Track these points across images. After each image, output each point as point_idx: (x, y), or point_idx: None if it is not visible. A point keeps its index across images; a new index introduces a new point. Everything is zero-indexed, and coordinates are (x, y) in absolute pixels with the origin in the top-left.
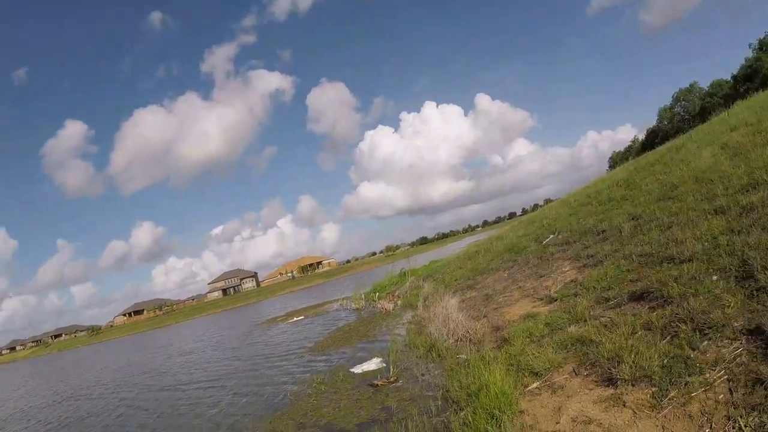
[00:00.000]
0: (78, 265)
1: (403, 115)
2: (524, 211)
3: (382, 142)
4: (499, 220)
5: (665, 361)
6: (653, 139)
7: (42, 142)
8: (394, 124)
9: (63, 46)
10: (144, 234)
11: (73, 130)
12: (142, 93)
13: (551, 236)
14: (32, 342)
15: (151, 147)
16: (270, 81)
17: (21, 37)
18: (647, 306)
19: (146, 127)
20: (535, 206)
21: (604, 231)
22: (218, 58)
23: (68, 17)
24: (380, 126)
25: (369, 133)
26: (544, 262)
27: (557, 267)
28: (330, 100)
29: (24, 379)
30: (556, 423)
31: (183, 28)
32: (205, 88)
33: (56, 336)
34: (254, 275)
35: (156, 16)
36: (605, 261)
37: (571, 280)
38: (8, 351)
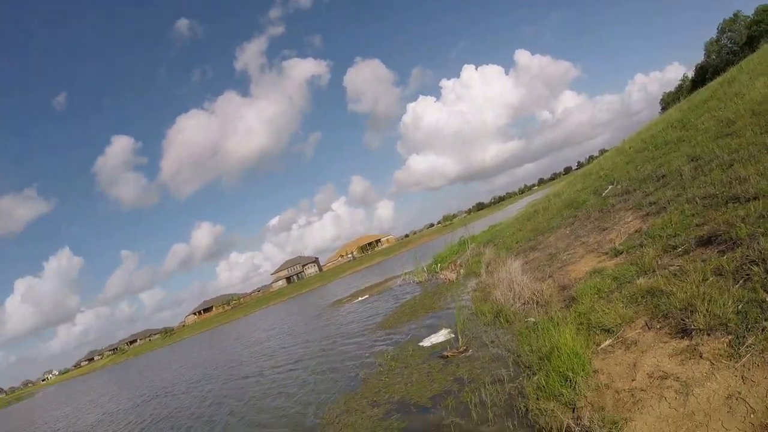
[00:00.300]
0: (144, 272)
1: (443, 82)
2: (579, 165)
3: (425, 113)
4: (554, 177)
5: (740, 306)
6: (703, 75)
7: (92, 160)
8: (435, 93)
9: (97, 67)
10: (203, 234)
11: (121, 145)
12: (182, 99)
13: (610, 187)
14: (109, 351)
15: (198, 150)
16: (304, 68)
17: (56, 63)
18: (716, 250)
19: (190, 132)
20: (590, 158)
21: (663, 176)
22: (250, 54)
23: (97, 35)
24: (421, 97)
25: (411, 105)
26: (606, 215)
27: (619, 218)
28: (367, 78)
29: (107, 386)
30: (632, 380)
31: (210, 30)
32: (242, 85)
33: (131, 342)
34: (315, 260)
35: (182, 23)
36: (668, 207)
37: (636, 231)
38: (87, 362)
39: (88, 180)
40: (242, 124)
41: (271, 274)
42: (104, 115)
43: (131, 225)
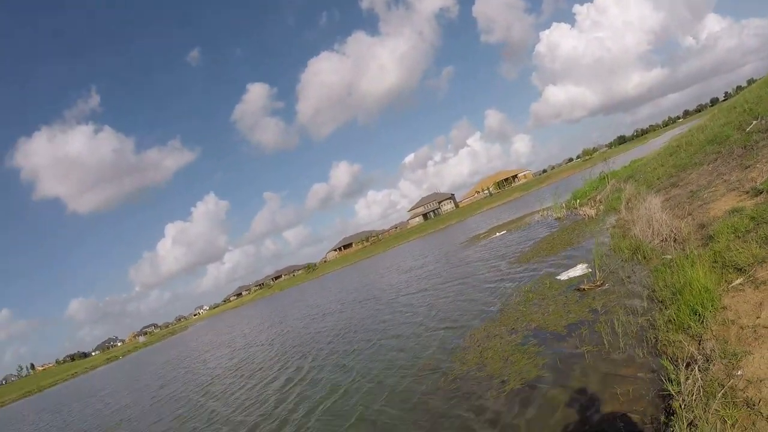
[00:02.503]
0: (287, 212)
1: (577, 8)
2: (727, 96)
3: (560, 41)
4: (700, 109)
5: None
6: None
7: (231, 109)
8: (569, 19)
9: (226, 18)
10: (341, 173)
11: (257, 92)
12: (312, 43)
13: (754, 122)
14: (256, 286)
15: (332, 91)
16: (432, 1)
17: (186, 19)
18: None
19: (324, 74)
20: (738, 88)
21: None
22: None
23: None
24: (555, 24)
25: (544, 34)
26: (749, 152)
27: (762, 156)
28: (497, 6)
29: (263, 314)
30: (757, 318)
31: None
32: (370, 24)
33: (276, 278)
34: (451, 197)
35: None
36: None
37: None
38: (235, 297)
39: (228, 128)
40: (374, 63)
41: (408, 211)
42: (238, 65)
43: (272, 168)
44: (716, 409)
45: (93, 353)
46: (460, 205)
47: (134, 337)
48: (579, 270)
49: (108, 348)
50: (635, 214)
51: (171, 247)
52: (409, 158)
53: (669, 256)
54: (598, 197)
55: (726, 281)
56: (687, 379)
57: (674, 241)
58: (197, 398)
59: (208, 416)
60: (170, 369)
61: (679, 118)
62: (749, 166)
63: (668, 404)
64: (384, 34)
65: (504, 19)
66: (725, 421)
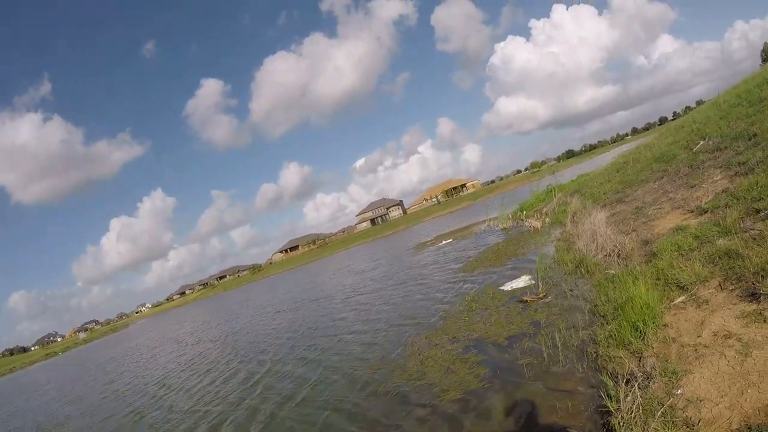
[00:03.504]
0: (234, 211)
1: (533, 22)
2: (675, 115)
3: (515, 54)
4: (648, 127)
5: None
6: None
7: (183, 104)
8: (525, 33)
9: (183, 13)
10: (291, 174)
11: (210, 88)
12: (269, 42)
13: (701, 143)
14: (200, 285)
15: (287, 91)
16: (391, 8)
17: (143, 11)
18: None
19: (279, 74)
20: (687, 109)
21: (755, 135)
22: None
23: None
24: (510, 37)
25: (499, 46)
26: (695, 171)
27: (708, 176)
28: (455, 17)
29: (210, 312)
30: (698, 336)
31: None
32: (328, 26)
33: (221, 277)
34: (400, 203)
35: None
36: (756, 168)
37: (723, 190)
38: (179, 296)
39: (180, 123)
40: (330, 65)
41: (356, 215)
42: (193, 59)
43: (222, 166)
44: (655, 428)
45: (32, 348)
46: (408, 212)
47: (75, 333)
48: (522, 281)
49: (48, 343)
50: (580, 227)
51: (115, 243)
52: (360, 162)
53: (612, 271)
54: (545, 210)
55: (668, 299)
56: (626, 396)
57: (618, 257)
58: (153, 391)
59: (167, 408)
60: (117, 365)
61: (627, 135)
62: (695, 186)
63: (607, 421)
64: (342, 36)
65: (462, 29)
66: None
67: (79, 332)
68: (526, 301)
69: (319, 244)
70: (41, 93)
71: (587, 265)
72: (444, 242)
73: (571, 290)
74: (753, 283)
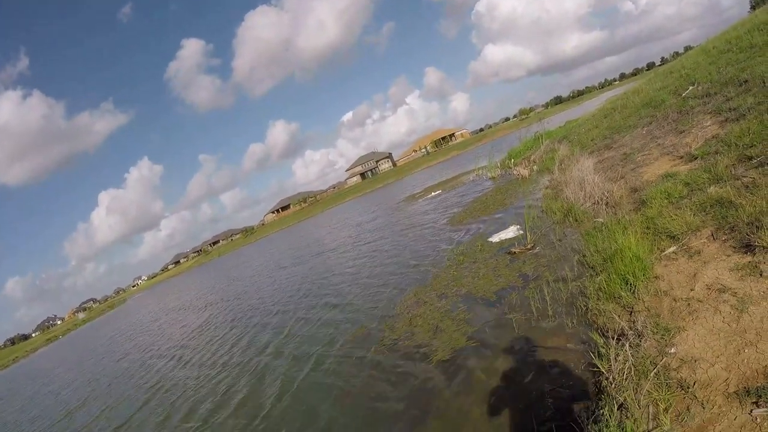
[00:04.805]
0: (223, 174)
1: None
2: (663, 61)
3: (501, 1)
4: (636, 72)
5: None
6: None
7: (164, 66)
8: None
9: None
10: (278, 132)
11: (192, 48)
12: None
13: (690, 88)
14: (193, 253)
15: (270, 47)
16: None
17: None
18: None
19: (261, 29)
20: (675, 54)
21: (746, 81)
22: None
23: None
24: None
25: None
26: (684, 117)
27: (698, 122)
28: None
29: (211, 276)
30: (691, 290)
31: None
32: None
33: (214, 243)
34: (389, 155)
35: None
36: (748, 115)
37: (713, 136)
38: (173, 265)
39: (162, 87)
40: (312, 17)
41: (346, 170)
42: (172, 20)
43: (208, 128)
44: (648, 391)
45: (33, 335)
46: (398, 164)
47: (74, 313)
48: (511, 232)
49: (48, 327)
50: (568, 175)
51: (105, 217)
52: (348, 116)
53: (601, 220)
54: (533, 157)
55: (658, 249)
56: (617, 355)
57: (606, 205)
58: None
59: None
60: (124, 340)
61: (615, 81)
62: (684, 131)
63: (598, 381)
64: None
65: None
66: (658, 405)
67: (77, 312)
68: (515, 252)
69: (310, 202)
70: (19, 69)
71: (575, 214)
72: (433, 194)
73: (559, 240)
74: (747, 234)
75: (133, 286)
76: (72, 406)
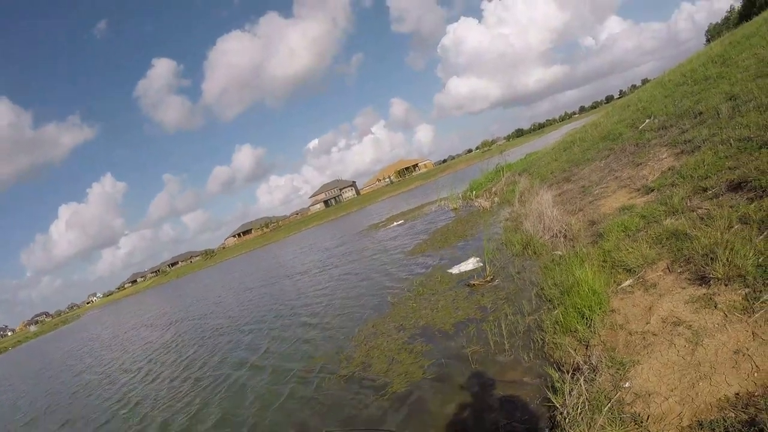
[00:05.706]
0: (187, 196)
1: (485, 4)
2: (622, 93)
3: (467, 35)
4: (596, 105)
5: (760, 260)
6: (751, 8)
7: (134, 84)
8: (477, 14)
9: None
10: (244, 156)
11: (162, 68)
12: (222, 21)
13: (647, 121)
14: (151, 273)
15: (241, 71)
16: None
17: None
18: (745, 197)
19: (232, 54)
20: (633, 87)
21: (701, 113)
22: None
23: None
24: (463, 18)
25: (452, 27)
26: (641, 150)
27: (654, 154)
28: None
29: (169, 297)
30: (646, 323)
31: None
32: (284, 6)
33: (173, 264)
34: (353, 184)
35: None
36: (702, 146)
37: (669, 168)
38: (130, 284)
39: (131, 104)
40: (285, 45)
41: (309, 197)
42: (145, 39)
43: (174, 148)
44: (602, 425)
45: None
46: (362, 193)
47: (25, 326)
48: (471, 264)
49: None
50: (528, 207)
51: (64, 230)
52: (314, 143)
53: (559, 253)
54: (494, 189)
55: (615, 282)
56: (572, 390)
57: (564, 237)
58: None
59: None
60: (84, 354)
61: (575, 114)
62: (641, 164)
63: (553, 416)
64: (298, 16)
65: (416, 9)
66: None
67: (29, 325)
68: (474, 285)
69: (273, 227)
70: None
71: (534, 247)
72: (396, 223)
73: (518, 273)
74: (702, 266)
75: (88, 303)
76: (29, 416)
